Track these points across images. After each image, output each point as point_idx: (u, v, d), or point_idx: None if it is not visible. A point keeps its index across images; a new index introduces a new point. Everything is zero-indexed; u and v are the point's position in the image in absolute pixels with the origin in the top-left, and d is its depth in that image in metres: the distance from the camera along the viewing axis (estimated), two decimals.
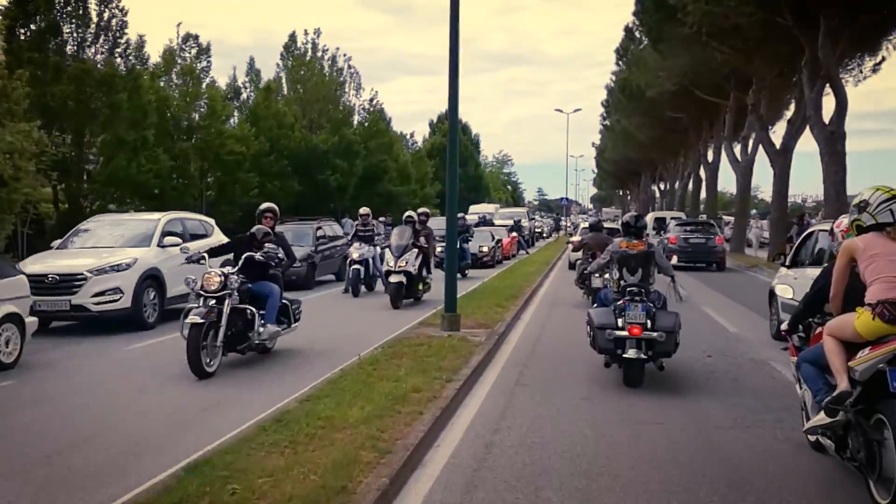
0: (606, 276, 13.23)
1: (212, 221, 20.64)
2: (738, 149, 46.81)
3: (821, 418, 6.53)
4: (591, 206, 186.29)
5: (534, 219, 61.61)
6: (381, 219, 38.40)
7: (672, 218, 43.14)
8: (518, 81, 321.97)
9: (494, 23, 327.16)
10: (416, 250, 20.52)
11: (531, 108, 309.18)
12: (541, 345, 14.40)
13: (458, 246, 19.72)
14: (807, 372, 7.04)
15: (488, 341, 13.52)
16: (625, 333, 10.14)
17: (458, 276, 17.92)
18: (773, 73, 38.20)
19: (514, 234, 44.25)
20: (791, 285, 14.22)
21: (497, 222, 47.86)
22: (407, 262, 20.15)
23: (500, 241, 37.51)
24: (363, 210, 25.03)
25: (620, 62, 53.14)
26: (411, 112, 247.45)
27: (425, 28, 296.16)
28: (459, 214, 24.77)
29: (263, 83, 52.61)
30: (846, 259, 6.68)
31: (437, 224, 26.75)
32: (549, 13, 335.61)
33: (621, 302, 10.44)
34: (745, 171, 44.84)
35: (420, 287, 20.92)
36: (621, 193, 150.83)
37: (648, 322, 10.18)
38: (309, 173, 49.82)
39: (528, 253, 44.31)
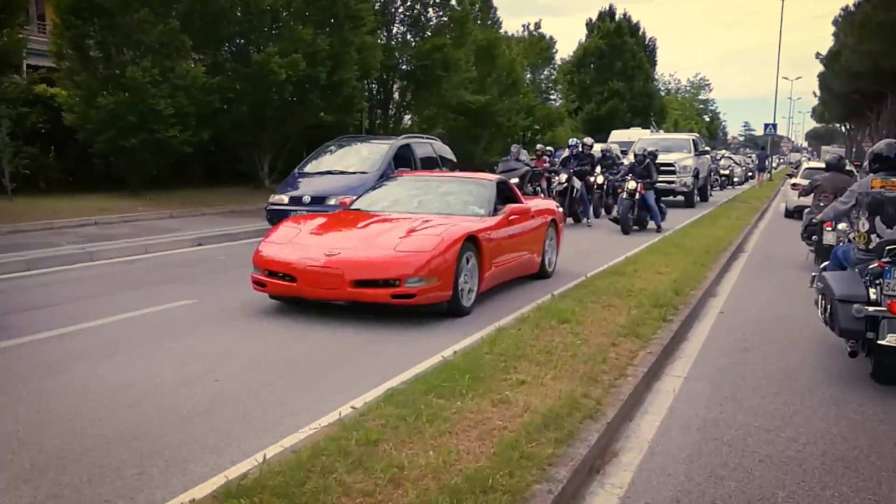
0: (842, 226, 10.24)
1: None
2: None
3: None
4: (805, 143, 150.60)
5: (706, 152, 32.45)
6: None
7: None
8: (729, 11, 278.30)
9: None
10: None
11: (743, 41, 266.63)
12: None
13: None
14: None
15: None
16: (882, 310, 6.81)
17: None
18: None
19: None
20: None
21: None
22: None
23: None
24: None
25: None
26: None
27: None
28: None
29: None
30: None
31: None
32: None
33: (876, 265, 7.14)
34: None
35: None
36: (845, 130, 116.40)
37: None
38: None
39: (660, 230, 19.32)
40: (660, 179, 27.20)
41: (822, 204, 13.99)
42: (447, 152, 19.60)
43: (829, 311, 7.46)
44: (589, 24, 62.50)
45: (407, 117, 36.71)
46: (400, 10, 33.47)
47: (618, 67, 58.33)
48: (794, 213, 24.09)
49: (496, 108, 38.66)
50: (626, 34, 60.61)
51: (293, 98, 24.80)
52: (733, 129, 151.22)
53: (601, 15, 62.27)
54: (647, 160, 19.44)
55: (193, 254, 14.96)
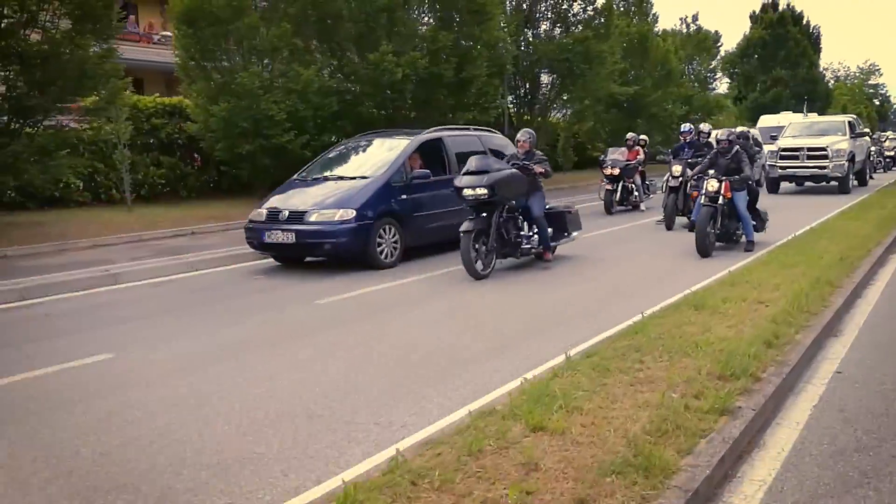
0: None
1: None
2: None
3: None
4: None
5: (864, 134, 25.84)
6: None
7: None
8: None
9: None
10: None
11: None
12: None
13: None
14: None
15: None
16: None
17: None
18: None
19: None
20: None
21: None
22: None
23: None
24: None
25: None
26: None
27: None
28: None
29: None
30: None
31: None
32: None
33: None
34: None
35: None
36: None
37: None
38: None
39: (751, 247, 11.70)
40: (812, 165, 21.91)
41: None
42: (504, 146, 13.66)
43: None
44: (753, 16, 55.44)
45: (557, 112, 32.36)
46: (543, 8, 29.09)
47: (781, 56, 51.45)
48: None
49: (650, 98, 33.59)
50: (790, 24, 53.31)
51: (417, 97, 21.05)
52: None
53: (764, 6, 55.21)
54: (736, 148, 11.81)
55: (232, 273, 11.35)
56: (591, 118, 31.77)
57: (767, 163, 22.70)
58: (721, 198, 11.31)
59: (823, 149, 21.87)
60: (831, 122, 25.18)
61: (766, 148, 23.41)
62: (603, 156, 18.62)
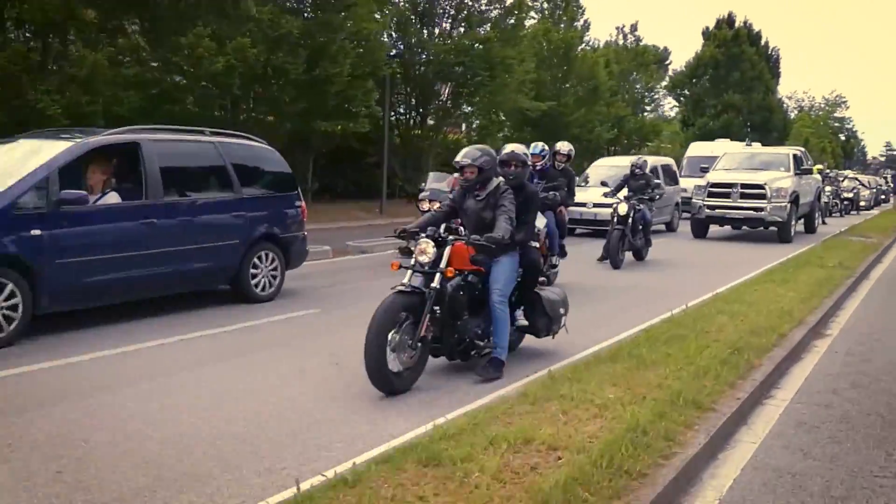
0: None
1: None
2: None
3: None
4: None
5: (810, 171, 22.64)
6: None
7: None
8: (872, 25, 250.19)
9: None
10: None
11: (889, 56, 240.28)
12: None
13: None
14: None
15: None
16: None
17: None
18: None
19: None
20: None
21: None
22: None
23: None
24: None
25: None
26: None
27: None
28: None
29: None
30: None
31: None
32: None
33: None
34: None
35: None
36: None
37: None
38: None
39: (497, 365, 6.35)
40: (746, 205, 19.26)
41: None
42: (263, 159, 10.09)
43: None
44: (705, 33, 53.61)
45: (462, 126, 29.55)
46: (444, 2, 26.23)
47: (734, 78, 49.47)
48: None
49: (571, 117, 30.89)
50: (745, 43, 51.54)
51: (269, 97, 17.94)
52: (874, 150, 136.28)
53: (719, 22, 53.42)
54: (496, 182, 6.44)
55: None
56: (496, 136, 28.96)
57: (695, 200, 20.02)
58: (438, 276, 5.94)
59: (761, 186, 19.19)
60: (775, 154, 22.50)
61: (690, 182, 20.81)
62: (422, 184, 15.21)
